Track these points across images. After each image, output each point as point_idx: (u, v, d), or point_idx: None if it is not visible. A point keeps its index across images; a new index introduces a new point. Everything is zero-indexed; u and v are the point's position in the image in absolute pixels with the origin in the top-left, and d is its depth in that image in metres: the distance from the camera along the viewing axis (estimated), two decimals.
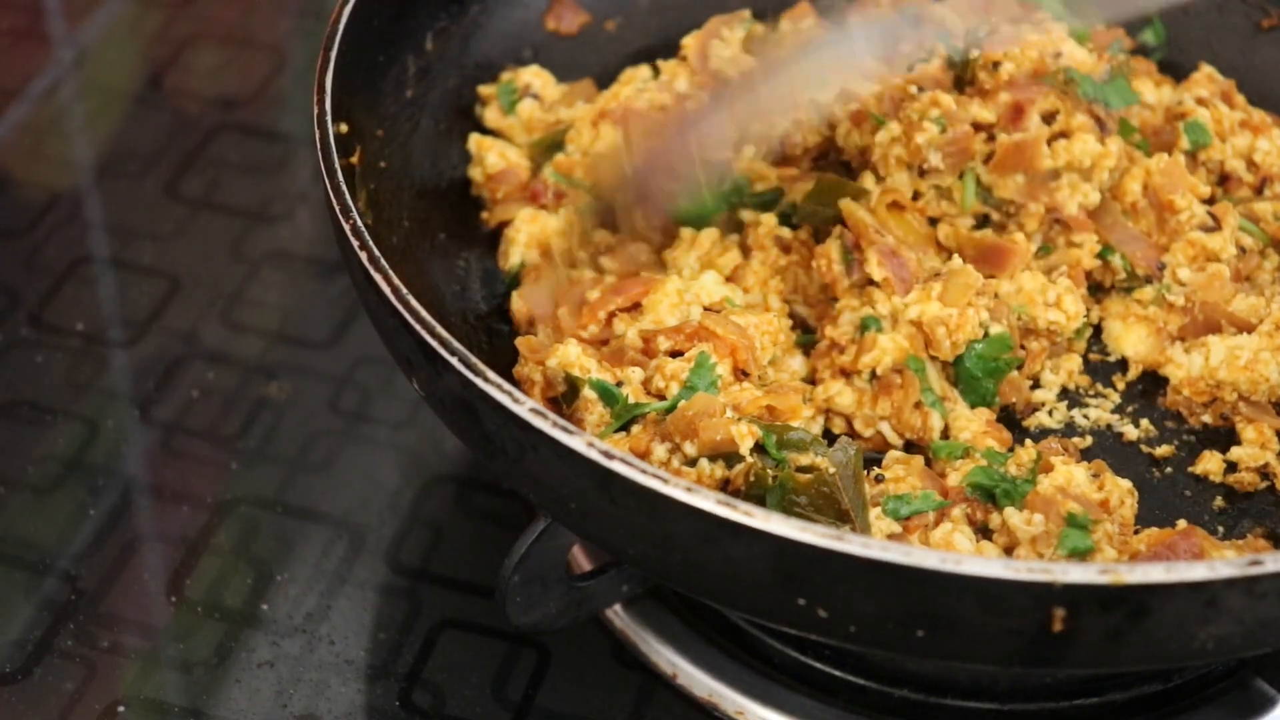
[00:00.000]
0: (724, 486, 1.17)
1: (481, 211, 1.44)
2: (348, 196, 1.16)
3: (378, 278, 1.11)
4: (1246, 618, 0.96)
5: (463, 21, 1.48)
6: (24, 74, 1.83)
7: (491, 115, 1.48)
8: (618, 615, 1.30)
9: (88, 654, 1.31)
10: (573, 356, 1.22)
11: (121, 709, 1.27)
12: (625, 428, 1.21)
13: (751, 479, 1.14)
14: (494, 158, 1.43)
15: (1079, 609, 0.94)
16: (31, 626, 1.32)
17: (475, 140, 1.45)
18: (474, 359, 1.05)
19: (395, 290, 1.10)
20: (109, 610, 1.34)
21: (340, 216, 1.15)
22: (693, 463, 1.17)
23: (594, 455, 1.00)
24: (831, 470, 1.13)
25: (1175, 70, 1.53)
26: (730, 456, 1.16)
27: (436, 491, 1.43)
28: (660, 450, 1.18)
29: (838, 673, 1.25)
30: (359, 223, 1.14)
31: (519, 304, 1.33)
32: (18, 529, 1.39)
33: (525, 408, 1.02)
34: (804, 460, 1.15)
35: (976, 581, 0.93)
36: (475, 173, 1.44)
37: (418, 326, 1.08)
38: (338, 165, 1.18)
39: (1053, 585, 0.93)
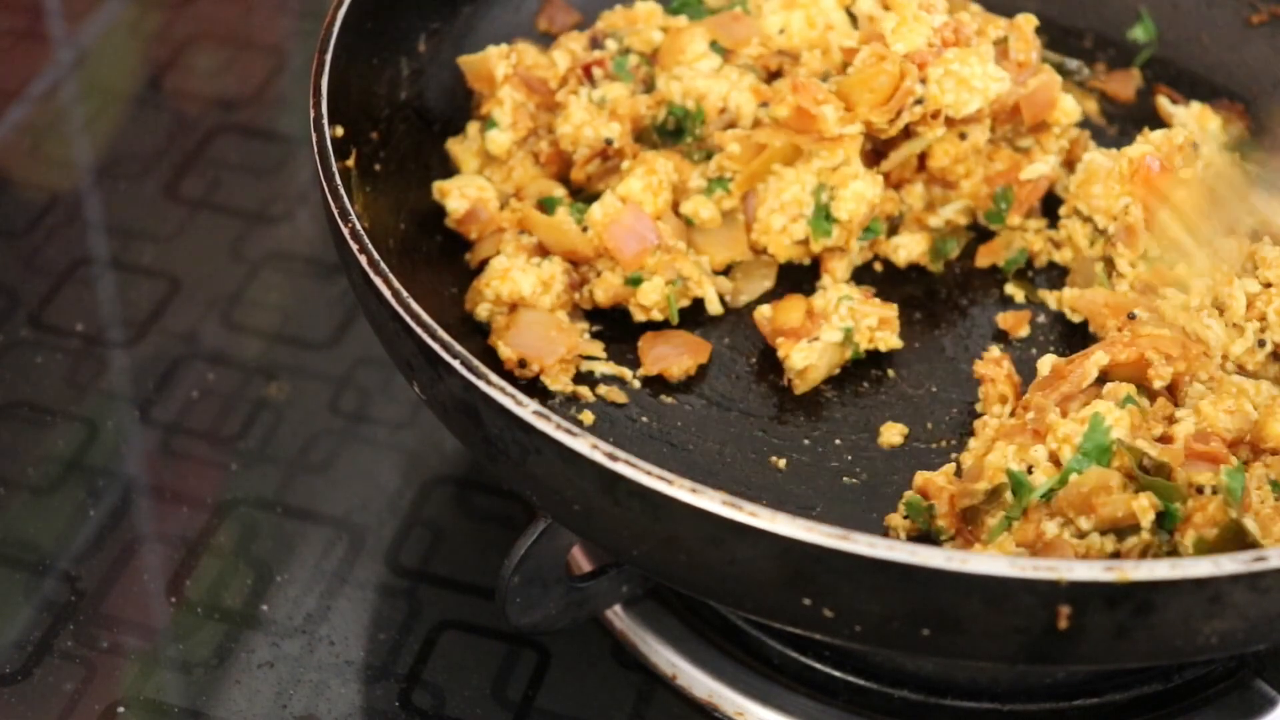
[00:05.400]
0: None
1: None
2: (346, 200, 1.16)
3: (378, 281, 1.11)
4: (1250, 613, 0.96)
5: (455, 23, 1.47)
6: (24, 74, 1.82)
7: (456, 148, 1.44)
8: (618, 616, 1.30)
9: (88, 655, 1.31)
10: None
11: (121, 710, 1.27)
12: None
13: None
14: (455, 201, 1.37)
15: (1084, 606, 0.94)
16: (31, 627, 1.32)
17: (436, 187, 1.39)
18: (476, 362, 1.05)
19: (396, 294, 1.10)
20: (109, 611, 1.34)
21: (339, 220, 1.15)
22: (1083, 535, 1.12)
23: (598, 457, 1.00)
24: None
25: (1165, 66, 1.55)
26: (1125, 530, 1.11)
27: (436, 492, 1.43)
28: (1051, 526, 1.13)
29: (838, 673, 1.25)
30: (358, 226, 1.14)
31: (507, 351, 1.29)
32: (18, 529, 1.39)
33: (528, 410, 1.02)
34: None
35: (982, 580, 0.94)
36: (449, 221, 1.39)
37: (419, 330, 1.08)
38: (335, 169, 1.18)
39: (1058, 583, 0.93)
